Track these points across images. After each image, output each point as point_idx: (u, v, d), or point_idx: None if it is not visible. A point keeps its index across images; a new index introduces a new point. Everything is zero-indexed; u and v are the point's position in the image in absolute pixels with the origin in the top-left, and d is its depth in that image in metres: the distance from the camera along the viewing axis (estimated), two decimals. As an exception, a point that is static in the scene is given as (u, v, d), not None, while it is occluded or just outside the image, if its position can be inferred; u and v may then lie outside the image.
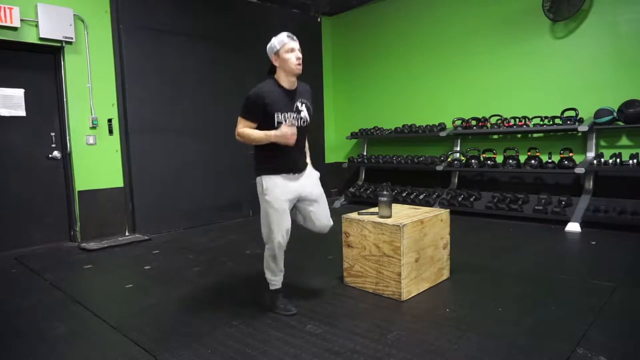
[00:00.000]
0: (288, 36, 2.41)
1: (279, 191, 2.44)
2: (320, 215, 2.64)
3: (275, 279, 2.63)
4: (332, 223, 2.72)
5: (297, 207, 2.64)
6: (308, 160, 2.70)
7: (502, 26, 5.37)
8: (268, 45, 2.44)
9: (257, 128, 2.42)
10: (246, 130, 2.40)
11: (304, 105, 2.51)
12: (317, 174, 2.68)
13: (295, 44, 2.42)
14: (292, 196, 2.50)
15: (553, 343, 2.12)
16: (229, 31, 5.71)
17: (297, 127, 2.44)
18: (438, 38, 5.98)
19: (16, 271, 3.71)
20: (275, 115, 2.38)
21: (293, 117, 2.44)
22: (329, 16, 7.24)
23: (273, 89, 2.41)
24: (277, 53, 2.40)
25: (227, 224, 5.49)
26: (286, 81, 2.45)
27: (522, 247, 3.97)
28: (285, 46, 2.38)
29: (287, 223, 2.48)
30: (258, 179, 2.51)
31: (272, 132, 2.36)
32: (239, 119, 2.43)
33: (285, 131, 2.34)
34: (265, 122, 2.39)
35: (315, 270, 3.39)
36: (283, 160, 2.47)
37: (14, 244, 4.38)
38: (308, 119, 2.54)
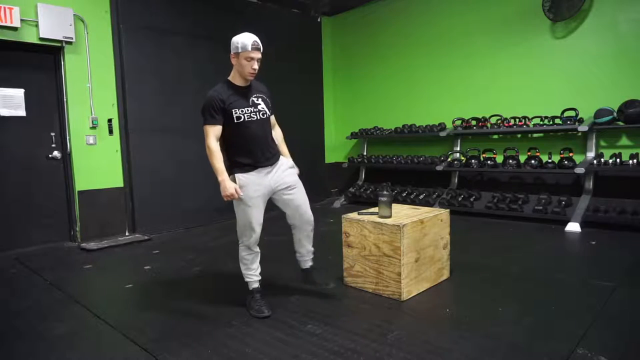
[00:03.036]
0: (253, 45, 2.43)
1: (251, 189, 2.53)
2: (300, 200, 2.69)
3: (250, 274, 2.67)
4: (312, 216, 2.78)
5: (276, 200, 2.71)
6: (285, 152, 2.79)
7: (502, 26, 5.37)
8: (232, 41, 2.48)
9: (222, 128, 2.51)
10: (214, 150, 2.46)
11: (260, 99, 2.60)
12: (289, 162, 2.74)
13: (256, 54, 2.46)
14: (265, 191, 2.59)
15: (553, 343, 2.12)
16: (229, 31, 5.66)
17: (257, 119, 2.55)
18: (438, 38, 5.98)
19: (16, 271, 3.71)
20: (233, 112, 2.48)
21: (251, 111, 2.53)
22: (329, 16, 7.24)
23: (225, 89, 2.51)
24: (237, 54, 2.46)
25: (227, 224, 5.48)
26: (239, 80, 2.54)
27: (522, 247, 3.97)
28: (246, 53, 2.43)
29: (260, 219, 2.59)
30: (231, 177, 2.56)
31: (221, 178, 2.45)
32: (205, 128, 2.48)
33: (225, 190, 2.44)
34: (227, 120, 2.50)
35: (315, 270, 3.38)
36: (252, 157, 2.55)
37: (14, 244, 4.37)
38: (268, 112, 2.63)
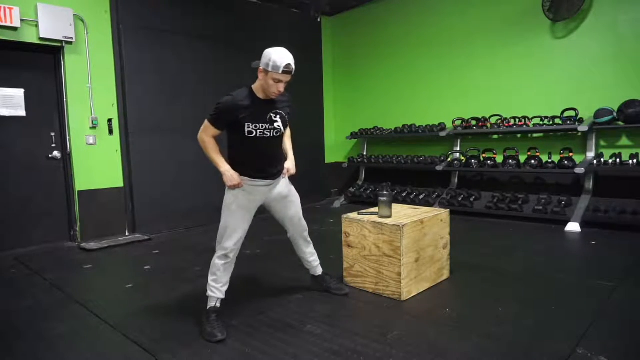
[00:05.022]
0: (284, 69, 2.25)
1: (245, 193, 2.45)
2: (293, 211, 2.70)
3: (217, 287, 2.46)
4: (305, 224, 2.79)
5: (270, 209, 2.68)
6: (289, 149, 2.69)
7: (502, 26, 5.37)
8: (265, 53, 2.31)
9: (228, 134, 2.43)
10: (209, 142, 2.41)
11: (278, 116, 2.45)
12: (287, 166, 2.66)
13: (286, 77, 2.30)
14: (260, 201, 2.55)
15: (553, 343, 2.12)
16: (229, 31, 5.71)
17: (269, 137, 2.43)
18: (438, 38, 5.99)
19: (16, 271, 3.71)
20: (246, 125, 2.34)
21: (265, 128, 2.40)
22: (329, 16, 7.25)
23: (247, 99, 2.35)
24: (265, 71, 2.29)
25: (227, 224, 5.48)
26: (262, 93, 2.40)
27: (522, 247, 3.97)
28: (275, 75, 2.27)
29: (247, 225, 2.49)
30: None
31: (224, 169, 2.41)
32: (206, 122, 2.39)
33: (232, 180, 2.40)
34: (235, 129, 2.37)
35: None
36: (255, 169, 2.47)
37: (14, 244, 4.38)
38: (282, 130, 2.49)
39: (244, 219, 2.47)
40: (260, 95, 2.39)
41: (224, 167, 2.41)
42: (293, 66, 2.30)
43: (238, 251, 2.50)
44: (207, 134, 2.41)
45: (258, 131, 2.38)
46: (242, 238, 2.48)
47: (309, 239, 2.86)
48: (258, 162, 2.47)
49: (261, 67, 2.31)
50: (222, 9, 5.63)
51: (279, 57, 2.26)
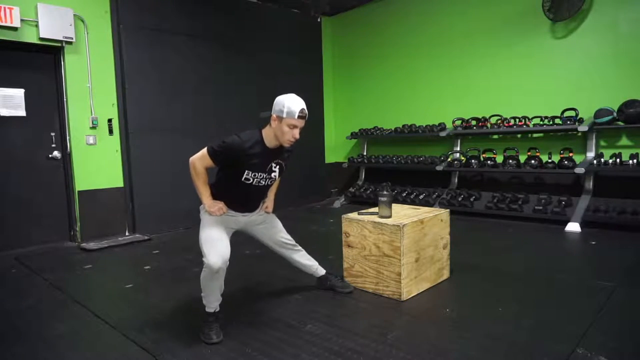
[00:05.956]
0: (299, 114, 2.25)
1: (227, 216, 2.43)
2: (274, 230, 2.70)
3: (210, 300, 2.35)
4: (291, 238, 2.79)
5: (253, 234, 2.67)
6: (270, 200, 2.69)
7: (502, 26, 5.38)
8: (277, 100, 2.30)
9: (220, 168, 2.41)
10: (201, 173, 2.33)
11: (278, 167, 2.45)
12: (263, 206, 2.66)
13: (300, 122, 2.29)
14: (235, 226, 2.52)
15: (553, 343, 2.12)
16: (229, 31, 5.71)
17: (263, 185, 2.42)
18: (438, 38, 5.99)
19: (16, 271, 3.71)
20: (245, 172, 2.31)
21: (262, 177, 2.38)
22: (329, 16, 7.25)
23: (256, 147, 2.31)
24: (279, 117, 2.26)
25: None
26: (272, 141, 2.34)
27: (522, 247, 3.97)
28: (291, 120, 2.25)
29: (225, 237, 2.37)
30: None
31: (207, 201, 2.38)
32: (204, 152, 2.30)
33: (213, 207, 2.36)
34: (232, 171, 2.33)
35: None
36: (238, 205, 2.46)
37: (14, 244, 4.38)
38: (276, 178, 2.51)
39: (224, 232, 2.39)
40: (269, 143, 2.35)
41: (207, 199, 2.38)
42: (306, 111, 2.31)
43: (226, 265, 2.28)
44: (202, 164, 2.32)
45: (255, 179, 2.36)
46: (228, 253, 2.29)
47: (297, 247, 2.83)
48: (242, 201, 2.47)
49: (274, 115, 2.28)
50: (222, 9, 5.63)
51: (293, 102, 2.26)
